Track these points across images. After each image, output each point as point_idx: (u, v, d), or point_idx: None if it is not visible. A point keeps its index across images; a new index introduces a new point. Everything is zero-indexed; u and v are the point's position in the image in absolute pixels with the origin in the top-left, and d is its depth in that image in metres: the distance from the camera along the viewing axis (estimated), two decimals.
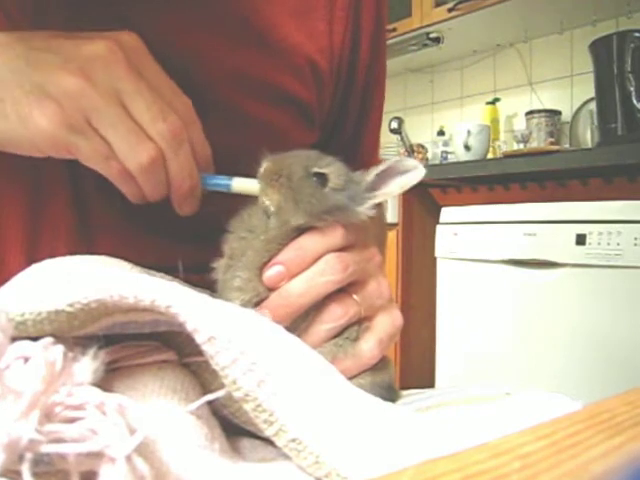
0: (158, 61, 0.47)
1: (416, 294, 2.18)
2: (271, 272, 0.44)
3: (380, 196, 0.46)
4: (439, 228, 2.12)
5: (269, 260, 0.44)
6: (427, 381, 2.11)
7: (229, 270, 0.45)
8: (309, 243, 0.45)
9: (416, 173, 0.46)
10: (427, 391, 0.55)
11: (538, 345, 1.78)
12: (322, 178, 0.45)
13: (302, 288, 0.43)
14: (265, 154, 0.46)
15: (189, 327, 0.28)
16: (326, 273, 0.44)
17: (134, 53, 0.44)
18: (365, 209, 0.46)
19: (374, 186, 0.46)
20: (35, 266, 0.34)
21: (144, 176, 0.45)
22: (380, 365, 0.47)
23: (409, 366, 2.15)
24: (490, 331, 1.93)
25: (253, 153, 0.47)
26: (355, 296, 0.46)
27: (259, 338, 0.31)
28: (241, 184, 0.47)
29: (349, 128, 0.72)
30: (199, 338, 0.28)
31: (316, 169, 0.45)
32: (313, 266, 0.44)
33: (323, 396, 0.32)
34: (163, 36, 0.49)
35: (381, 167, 0.46)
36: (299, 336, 0.43)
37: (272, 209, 0.45)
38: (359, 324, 0.46)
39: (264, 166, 0.45)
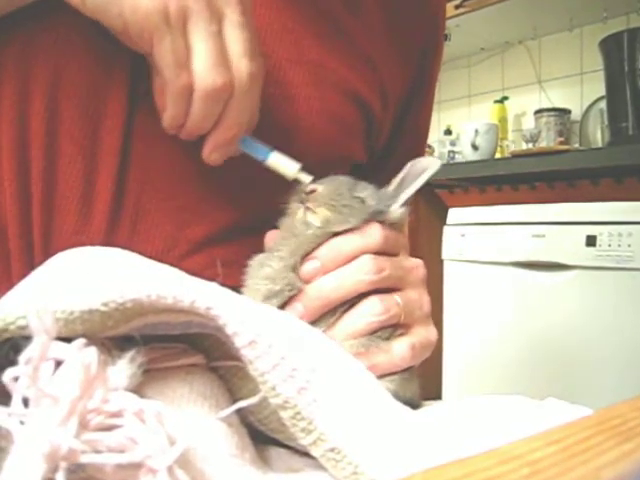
0: None
1: None
2: (307, 266, 0.46)
3: (402, 197, 0.51)
4: (446, 229, 2.11)
5: (303, 256, 0.47)
6: (434, 387, 2.10)
7: (261, 260, 0.48)
8: (345, 242, 0.47)
9: (432, 169, 0.50)
10: (441, 402, 0.55)
11: (547, 349, 1.78)
12: (361, 201, 0.49)
13: (334, 284, 0.45)
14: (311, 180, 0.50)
15: (229, 330, 0.27)
16: (359, 272, 0.46)
17: None
18: (393, 209, 0.50)
19: (397, 192, 0.51)
20: (55, 259, 0.33)
21: (205, 101, 0.44)
22: (407, 376, 0.48)
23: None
24: (498, 335, 1.92)
25: (310, 139, 0.53)
26: (397, 298, 0.47)
27: (299, 344, 0.30)
28: (278, 160, 0.49)
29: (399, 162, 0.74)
30: (239, 342, 0.27)
31: (356, 194, 0.49)
32: (348, 264, 0.46)
33: (362, 405, 0.31)
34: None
35: (400, 175, 0.52)
36: (334, 325, 0.46)
37: (317, 224, 0.48)
38: (394, 328, 0.47)
39: (316, 188, 0.49)
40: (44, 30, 0.48)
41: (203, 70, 0.43)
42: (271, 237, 0.50)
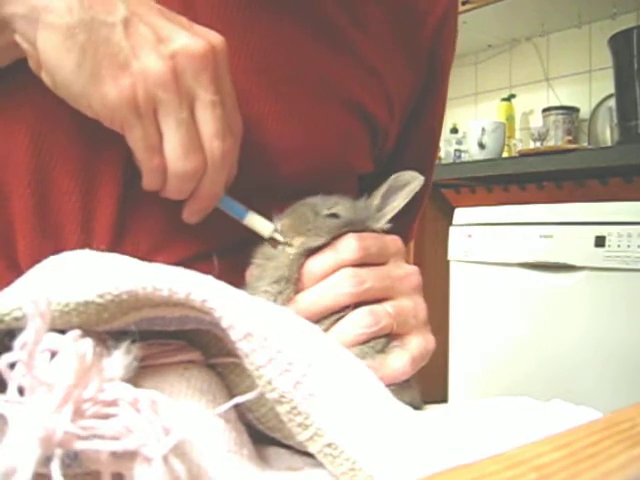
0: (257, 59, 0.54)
1: (428, 299, 2.11)
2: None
3: (388, 212, 0.53)
4: (452, 230, 2.10)
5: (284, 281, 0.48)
6: (439, 391, 2.10)
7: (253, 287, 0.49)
8: (318, 261, 0.48)
9: (415, 184, 0.53)
10: (445, 405, 0.55)
11: (556, 352, 1.77)
12: (334, 216, 0.50)
13: (313, 298, 0.47)
14: (276, 213, 0.51)
15: (224, 323, 0.27)
16: (339, 286, 0.47)
17: (220, 63, 0.46)
18: (381, 226, 0.52)
19: (382, 205, 0.53)
20: (54, 257, 0.33)
21: (177, 181, 0.46)
22: (403, 386, 0.48)
23: (420, 375, 2.13)
24: (506, 337, 1.91)
25: (314, 154, 0.55)
26: (389, 308, 0.47)
27: (296, 337, 0.30)
28: (254, 220, 0.51)
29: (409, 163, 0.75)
30: (234, 335, 0.27)
31: (325, 211, 0.50)
32: (327, 279, 0.47)
33: (360, 400, 0.31)
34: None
35: (383, 188, 0.53)
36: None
37: (294, 251, 0.49)
38: (388, 338, 0.48)
39: (282, 223, 0.50)
40: (29, 73, 0.48)
41: (174, 157, 0.44)
42: (250, 273, 0.51)
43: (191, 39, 0.44)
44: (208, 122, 0.45)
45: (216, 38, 0.45)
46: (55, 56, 0.43)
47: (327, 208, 0.50)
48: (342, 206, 0.51)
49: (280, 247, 0.49)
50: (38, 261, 0.50)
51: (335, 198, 0.52)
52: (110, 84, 0.42)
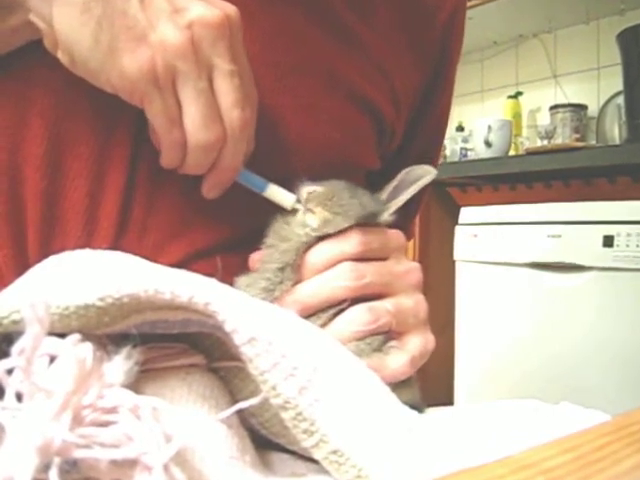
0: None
1: (433, 299, 2.10)
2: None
3: (393, 205, 0.53)
4: (458, 229, 2.10)
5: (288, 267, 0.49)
6: (445, 393, 2.10)
7: (249, 282, 0.50)
8: (322, 250, 0.49)
9: (427, 178, 0.53)
10: (451, 408, 0.55)
11: (563, 353, 1.77)
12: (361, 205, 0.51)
13: (311, 289, 0.47)
14: (303, 181, 0.51)
15: (228, 327, 0.27)
16: (338, 279, 0.47)
17: (235, 32, 0.45)
18: (385, 219, 0.52)
19: (389, 199, 0.53)
20: (55, 257, 0.33)
21: (198, 153, 0.46)
22: (402, 384, 0.48)
23: (425, 377, 2.11)
24: (512, 339, 1.91)
25: (320, 148, 0.56)
26: (388, 306, 0.48)
27: (301, 341, 0.30)
28: (275, 191, 0.51)
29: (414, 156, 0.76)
30: (238, 339, 0.27)
31: (355, 199, 0.50)
32: (326, 271, 0.48)
33: (366, 406, 0.31)
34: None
35: (393, 183, 0.53)
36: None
37: (314, 225, 0.49)
38: (385, 335, 0.48)
39: (314, 189, 0.50)
40: (45, 57, 0.48)
41: (194, 128, 0.45)
42: (255, 258, 0.51)
43: (206, 8, 0.44)
44: (227, 92, 0.45)
45: (230, 8, 0.45)
46: (71, 32, 0.43)
47: (356, 196, 0.51)
48: (367, 197, 0.51)
49: (299, 219, 0.50)
50: (45, 250, 0.50)
51: (360, 189, 0.52)
52: (128, 57, 0.42)
